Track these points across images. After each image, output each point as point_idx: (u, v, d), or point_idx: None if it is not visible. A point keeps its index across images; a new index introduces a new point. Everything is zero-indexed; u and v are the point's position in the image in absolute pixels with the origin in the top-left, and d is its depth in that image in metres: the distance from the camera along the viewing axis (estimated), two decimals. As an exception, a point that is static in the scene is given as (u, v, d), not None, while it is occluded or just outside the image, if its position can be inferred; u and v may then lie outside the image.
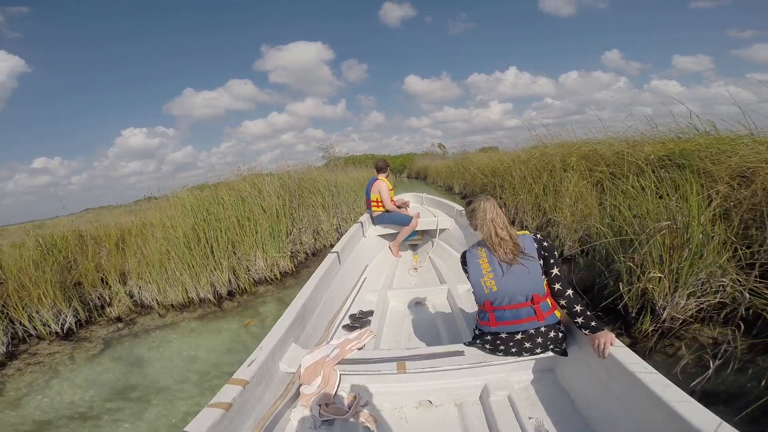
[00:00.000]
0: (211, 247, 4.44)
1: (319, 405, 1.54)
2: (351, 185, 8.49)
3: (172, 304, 4.25)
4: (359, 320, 2.48)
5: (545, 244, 1.57)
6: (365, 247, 3.86)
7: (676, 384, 1.15)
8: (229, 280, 4.44)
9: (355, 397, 1.60)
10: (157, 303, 4.27)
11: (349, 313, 2.61)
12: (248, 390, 1.37)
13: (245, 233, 4.72)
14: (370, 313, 2.55)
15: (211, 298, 4.26)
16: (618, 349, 1.36)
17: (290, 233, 5.27)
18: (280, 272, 4.87)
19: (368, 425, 1.49)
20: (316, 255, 5.78)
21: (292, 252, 5.22)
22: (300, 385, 1.64)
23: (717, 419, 0.99)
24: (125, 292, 4.36)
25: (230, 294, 4.43)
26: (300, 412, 1.56)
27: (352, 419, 1.51)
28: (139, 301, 4.37)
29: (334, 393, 1.60)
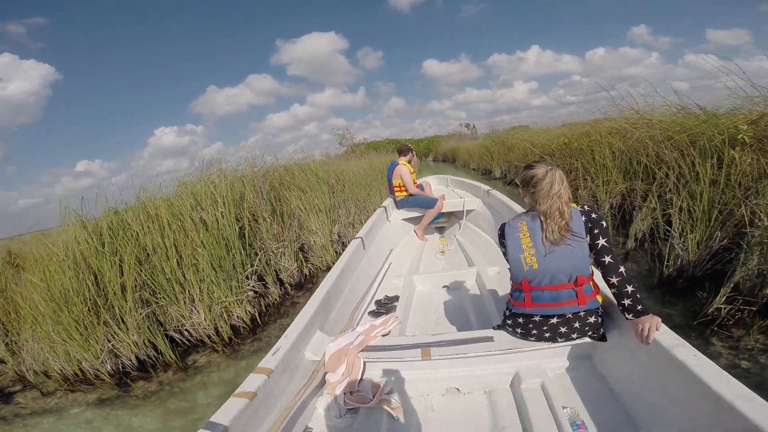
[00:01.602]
0: (105, 295, 2.91)
1: (344, 393, 1.52)
2: (361, 176, 6.91)
3: (63, 376, 2.88)
4: (385, 306, 2.45)
5: (593, 215, 1.42)
6: (390, 231, 3.80)
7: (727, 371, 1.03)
8: (146, 344, 2.89)
9: (379, 385, 1.57)
10: (35, 373, 2.93)
11: (374, 299, 2.58)
12: (273, 379, 1.37)
13: (169, 269, 3.08)
14: (396, 298, 2.51)
15: (109, 372, 2.83)
16: (664, 335, 1.24)
17: (252, 262, 3.55)
18: (233, 327, 3.18)
19: (393, 413, 1.45)
20: (303, 287, 4.08)
21: (256, 291, 3.48)
22: (325, 372, 1.63)
23: None
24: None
25: (146, 368, 2.89)
26: (325, 400, 1.55)
27: (376, 407, 1.48)
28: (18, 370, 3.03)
29: (358, 381, 1.57)
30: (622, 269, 1.37)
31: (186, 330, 3.06)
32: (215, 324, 3.10)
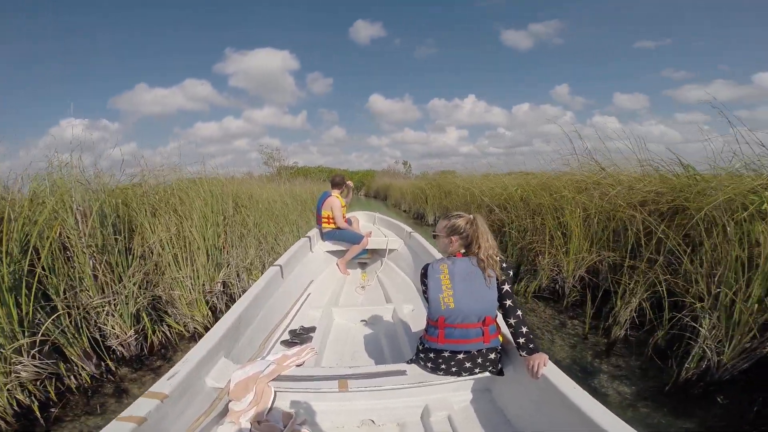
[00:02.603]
0: None
1: (251, 422, 1.44)
2: (277, 205, 5.78)
3: None
4: (300, 336, 2.37)
5: (504, 264, 1.64)
6: (312, 262, 3.76)
7: (605, 405, 1.20)
8: None
9: (291, 415, 1.50)
10: None
11: (289, 329, 2.49)
12: (167, 404, 1.24)
13: None
14: (313, 329, 2.45)
15: None
16: (550, 371, 1.42)
17: (38, 326, 2.24)
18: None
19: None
20: (147, 361, 2.74)
21: (40, 370, 2.18)
22: (229, 401, 1.51)
23: None
24: None
25: None
26: (228, 429, 1.44)
27: (286, 438, 1.42)
28: None
29: (267, 410, 1.48)
30: (519, 312, 1.58)
31: None
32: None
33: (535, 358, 1.47)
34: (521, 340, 1.54)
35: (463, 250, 1.69)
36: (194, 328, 3.12)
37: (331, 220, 4.05)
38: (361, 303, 3.34)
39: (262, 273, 2.79)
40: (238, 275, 3.75)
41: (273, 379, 1.62)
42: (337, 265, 4.09)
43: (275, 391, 1.58)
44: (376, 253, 4.47)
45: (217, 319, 2.04)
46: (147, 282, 2.99)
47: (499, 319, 1.67)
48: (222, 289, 3.50)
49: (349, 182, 4.35)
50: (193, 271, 3.25)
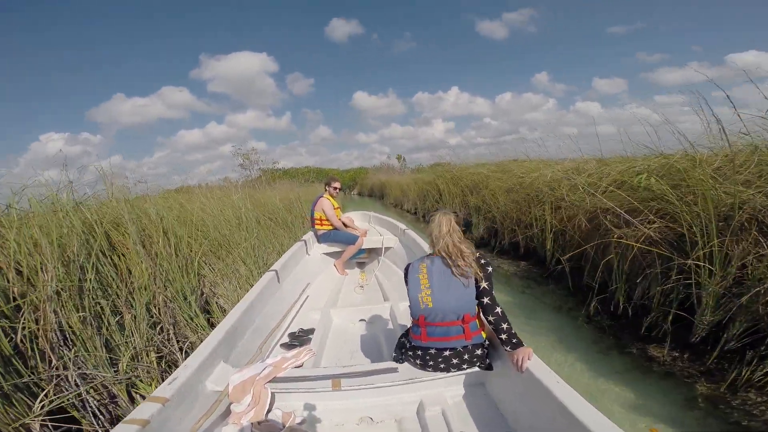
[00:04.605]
0: None
1: (251, 423, 1.51)
2: (235, 223, 4.22)
3: None
4: (299, 338, 2.42)
5: (482, 261, 1.66)
6: (309, 264, 3.80)
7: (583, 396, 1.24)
8: None
9: (290, 415, 1.56)
10: None
11: (288, 332, 2.54)
12: (169, 407, 1.30)
13: None
14: (311, 331, 2.51)
15: None
16: (534, 364, 1.47)
17: None
18: None
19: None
20: None
21: None
22: (230, 403, 1.57)
23: (618, 429, 1.09)
24: None
25: None
26: (230, 429, 1.51)
27: (286, 437, 1.49)
28: None
29: (266, 411, 1.54)
30: (498, 309, 1.61)
31: None
32: None
33: (519, 353, 1.51)
34: (503, 336, 1.57)
35: (436, 248, 1.72)
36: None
37: (324, 222, 4.09)
38: (359, 302, 3.39)
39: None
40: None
41: (271, 381, 1.67)
42: (335, 266, 4.13)
43: (273, 393, 1.63)
44: (374, 252, 4.51)
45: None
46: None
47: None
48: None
49: (335, 183, 4.30)
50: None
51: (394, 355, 1.84)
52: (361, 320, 2.83)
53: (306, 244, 4.00)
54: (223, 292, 3.16)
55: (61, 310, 2.02)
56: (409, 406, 1.67)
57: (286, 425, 1.50)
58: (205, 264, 3.23)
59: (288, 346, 2.32)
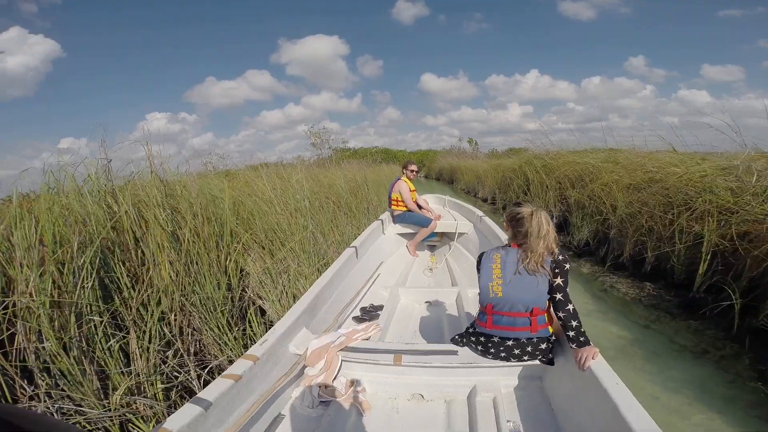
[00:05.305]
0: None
1: (319, 386, 1.67)
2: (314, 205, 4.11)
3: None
4: (369, 313, 2.60)
5: (560, 257, 1.61)
6: (384, 244, 3.97)
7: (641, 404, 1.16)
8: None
9: (353, 383, 1.73)
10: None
11: (360, 306, 2.73)
12: (258, 366, 1.52)
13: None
14: (380, 307, 2.66)
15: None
16: (598, 363, 1.42)
17: None
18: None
19: (361, 410, 1.61)
20: None
21: None
22: (305, 366, 1.78)
23: None
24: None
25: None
26: (301, 390, 1.70)
27: (347, 402, 1.64)
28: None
29: (334, 377, 1.73)
30: (569, 306, 1.55)
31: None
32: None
33: (584, 351, 1.47)
34: (571, 333, 1.53)
35: (520, 241, 1.68)
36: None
37: (400, 203, 4.21)
38: (427, 285, 3.47)
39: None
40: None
41: (341, 350, 1.85)
42: (407, 247, 4.25)
43: (342, 360, 1.81)
44: (446, 236, 4.53)
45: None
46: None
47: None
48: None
49: (411, 166, 4.40)
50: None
51: (454, 338, 1.89)
52: (428, 302, 2.90)
53: (383, 224, 4.17)
54: (267, 295, 2.66)
55: (35, 329, 1.69)
56: (461, 389, 1.72)
57: (348, 392, 1.67)
58: (251, 258, 2.81)
59: (359, 320, 2.50)
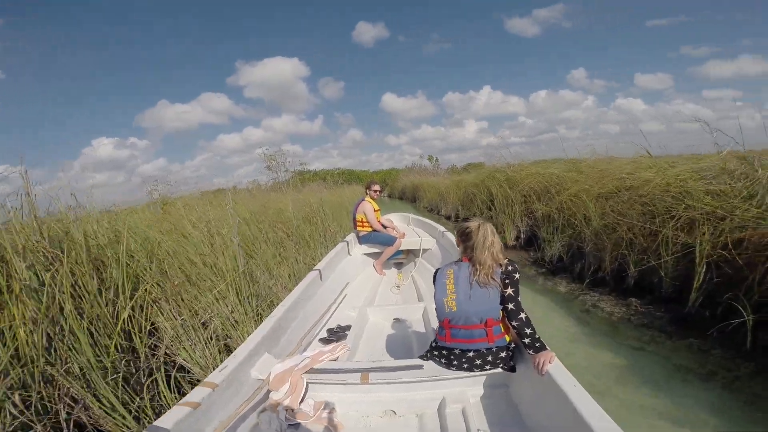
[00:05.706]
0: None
1: (286, 410, 1.63)
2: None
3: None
4: (336, 334, 2.57)
5: (509, 268, 1.69)
6: (349, 265, 3.96)
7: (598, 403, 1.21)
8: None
9: (320, 405, 1.69)
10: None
11: (326, 327, 2.70)
12: (217, 392, 1.47)
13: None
14: (348, 328, 2.64)
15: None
16: (555, 368, 1.48)
17: None
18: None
19: (332, 430, 1.57)
20: None
21: None
22: (269, 391, 1.72)
23: None
24: None
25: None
26: (266, 415, 1.64)
27: (319, 425, 1.60)
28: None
29: (300, 400, 1.68)
30: (522, 315, 1.62)
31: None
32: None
33: (541, 356, 1.53)
34: (526, 341, 1.59)
35: (470, 255, 1.76)
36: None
37: (365, 224, 4.24)
38: (395, 302, 3.49)
39: None
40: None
41: (307, 372, 1.81)
42: (374, 266, 4.27)
43: (308, 383, 1.78)
44: (411, 253, 4.59)
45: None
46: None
47: None
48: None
49: (375, 186, 4.46)
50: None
51: (421, 353, 1.91)
52: (396, 319, 2.92)
53: (348, 245, 4.17)
54: (187, 356, 2.27)
55: None
56: (431, 403, 1.74)
57: (317, 413, 1.62)
58: (168, 309, 2.44)
59: (326, 341, 2.47)
